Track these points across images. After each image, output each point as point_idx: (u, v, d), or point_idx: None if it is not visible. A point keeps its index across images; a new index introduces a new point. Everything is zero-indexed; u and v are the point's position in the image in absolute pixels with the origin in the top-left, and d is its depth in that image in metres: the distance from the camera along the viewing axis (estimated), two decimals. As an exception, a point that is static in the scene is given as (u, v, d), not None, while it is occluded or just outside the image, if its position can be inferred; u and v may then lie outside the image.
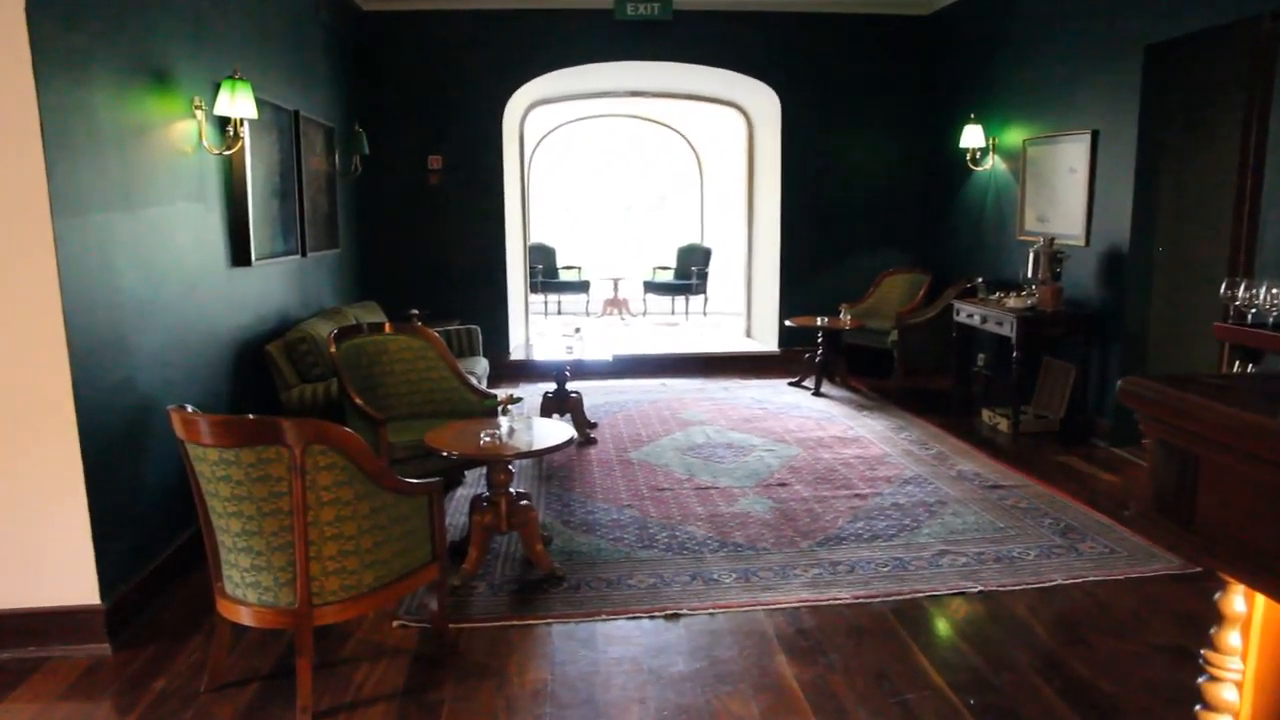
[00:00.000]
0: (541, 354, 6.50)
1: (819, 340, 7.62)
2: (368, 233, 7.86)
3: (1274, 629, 1.61)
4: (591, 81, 9.24)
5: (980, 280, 6.99)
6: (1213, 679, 1.66)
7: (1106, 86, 5.85)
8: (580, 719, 2.85)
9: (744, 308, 10.10)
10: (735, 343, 9.87)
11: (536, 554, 3.89)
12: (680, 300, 12.68)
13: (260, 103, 4.81)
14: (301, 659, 2.77)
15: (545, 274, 12.28)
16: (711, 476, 5.28)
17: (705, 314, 12.54)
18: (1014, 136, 7.09)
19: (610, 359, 6.51)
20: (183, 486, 2.85)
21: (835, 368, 7.77)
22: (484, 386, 6.03)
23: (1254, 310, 3.94)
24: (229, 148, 4.50)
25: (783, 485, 5.10)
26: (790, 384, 7.92)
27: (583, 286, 12.65)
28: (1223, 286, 4.11)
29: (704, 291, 12.44)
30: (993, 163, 7.42)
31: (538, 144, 12.74)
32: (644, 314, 12.65)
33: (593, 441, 6.05)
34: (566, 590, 3.74)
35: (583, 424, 6.16)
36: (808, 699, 2.93)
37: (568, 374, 6.22)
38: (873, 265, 8.65)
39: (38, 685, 3.07)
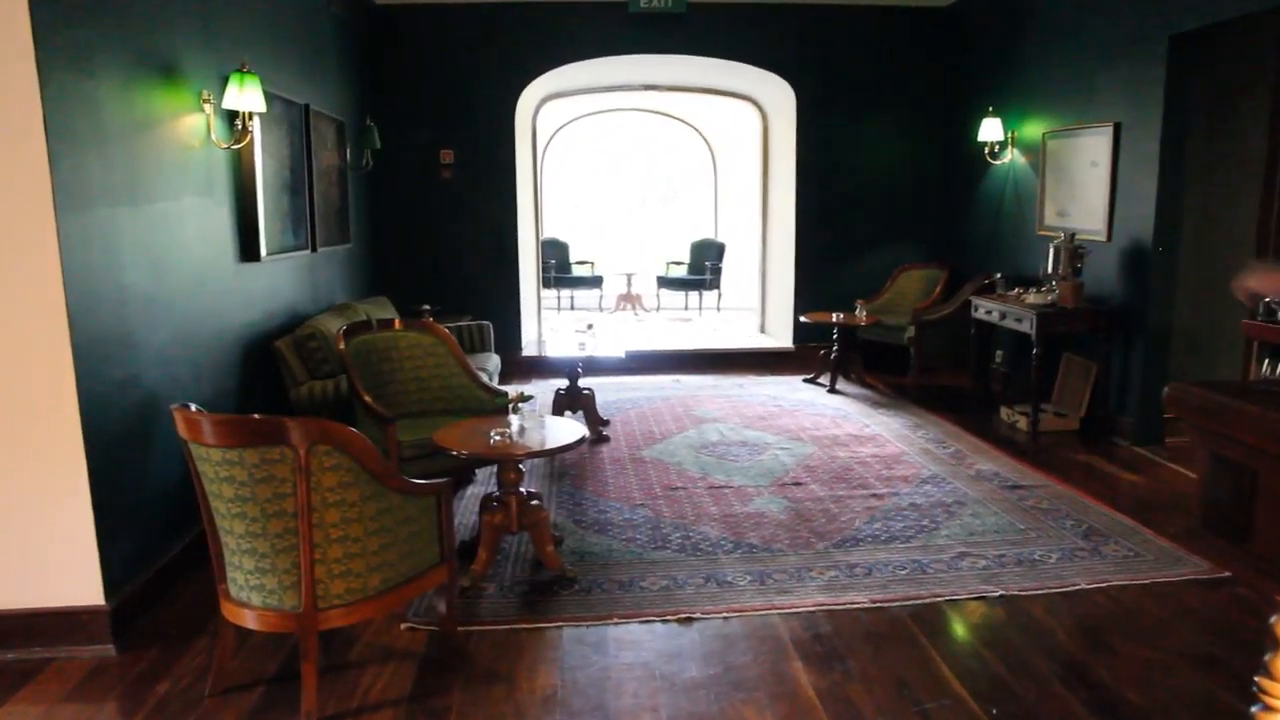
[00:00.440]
0: (554, 350, 6.44)
1: (834, 336, 7.52)
2: (379, 228, 7.81)
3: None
4: (605, 75, 9.16)
5: (999, 276, 6.88)
6: (1268, 709, 1.57)
7: (1129, 78, 5.72)
8: (591, 726, 2.78)
9: (758, 303, 10.00)
10: (749, 339, 9.78)
11: (547, 555, 3.82)
12: (694, 296, 12.60)
13: (270, 96, 4.75)
14: (306, 664, 2.71)
15: (558, 269, 12.21)
16: (725, 475, 5.20)
17: (719, 309, 12.45)
18: (1033, 129, 6.96)
19: (623, 355, 6.43)
20: (188, 485, 2.80)
21: (851, 364, 7.67)
22: (495, 383, 5.98)
23: (1284, 307, 3.84)
24: (238, 141, 4.44)
25: (798, 484, 5.02)
26: (805, 381, 7.83)
27: (595, 282, 12.58)
28: (1252, 283, 4.00)
29: (717, 287, 12.35)
30: (1011, 156, 7.30)
31: (551, 138, 12.67)
32: (657, 309, 12.58)
33: (605, 439, 5.98)
34: (578, 592, 3.67)
35: (595, 421, 6.09)
36: (824, 708, 2.85)
37: (580, 370, 6.15)
38: (889, 260, 8.54)
39: (41, 687, 3.03)
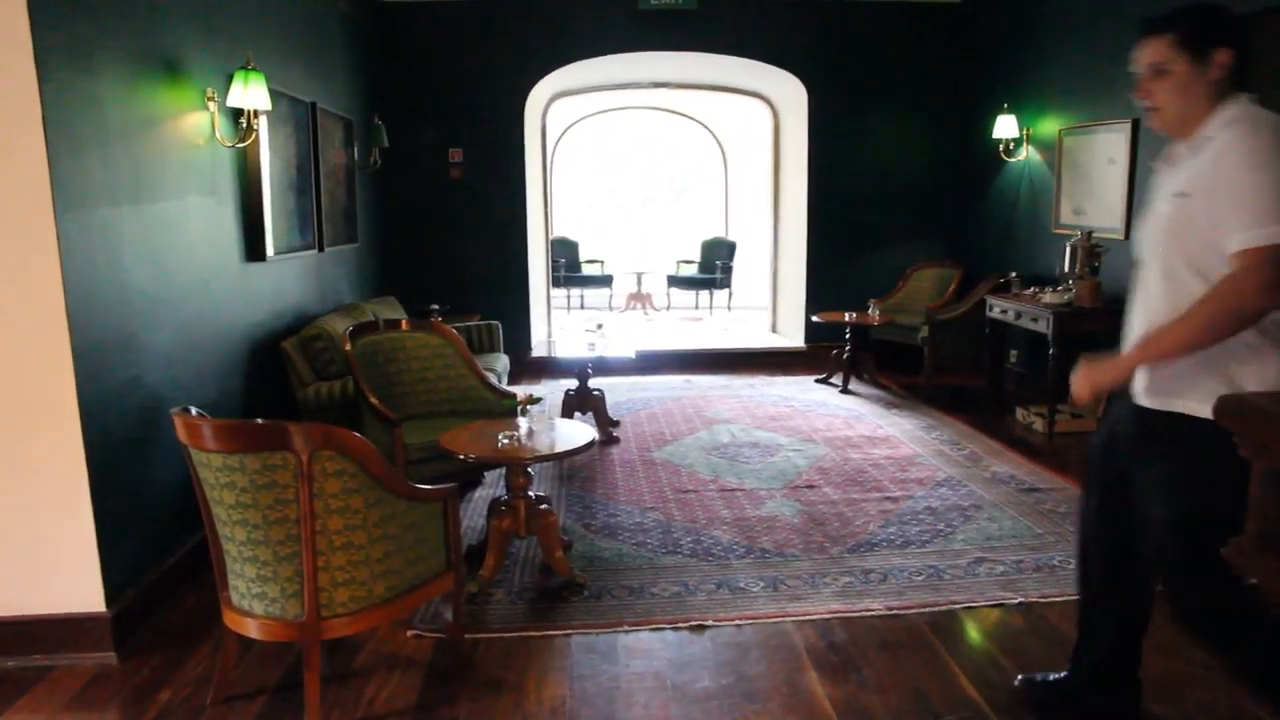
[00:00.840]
0: (563, 350, 6.36)
1: (846, 336, 7.44)
2: (387, 227, 7.75)
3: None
4: (614, 73, 9.09)
5: (1013, 275, 6.79)
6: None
7: (1149, 74, 5.61)
8: (600, 738, 2.72)
9: (769, 302, 9.92)
10: (760, 338, 9.70)
11: (556, 560, 3.75)
12: (704, 295, 12.51)
13: (276, 94, 4.70)
14: (309, 673, 2.65)
15: (568, 268, 12.15)
16: (737, 478, 5.12)
17: (729, 309, 12.37)
18: (1049, 126, 6.86)
19: (633, 355, 6.36)
20: (191, 488, 2.74)
21: (863, 364, 7.58)
22: (504, 384, 5.92)
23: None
24: (243, 140, 4.38)
25: (811, 487, 4.94)
26: (817, 381, 7.74)
27: (605, 281, 12.51)
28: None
29: (728, 286, 12.26)
30: (1027, 153, 7.20)
31: (560, 137, 12.60)
32: (667, 309, 12.50)
33: (615, 440, 5.91)
34: (587, 599, 3.61)
35: (605, 422, 6.02)
36: None
37: (590, 371, 6.08)
38: (902, 259, 8.44)
39: (42, 695, 2.98)
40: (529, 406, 3.89)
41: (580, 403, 6.02)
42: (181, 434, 2.59)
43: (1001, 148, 7.32)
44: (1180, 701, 2.86)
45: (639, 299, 12.26)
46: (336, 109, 6.22)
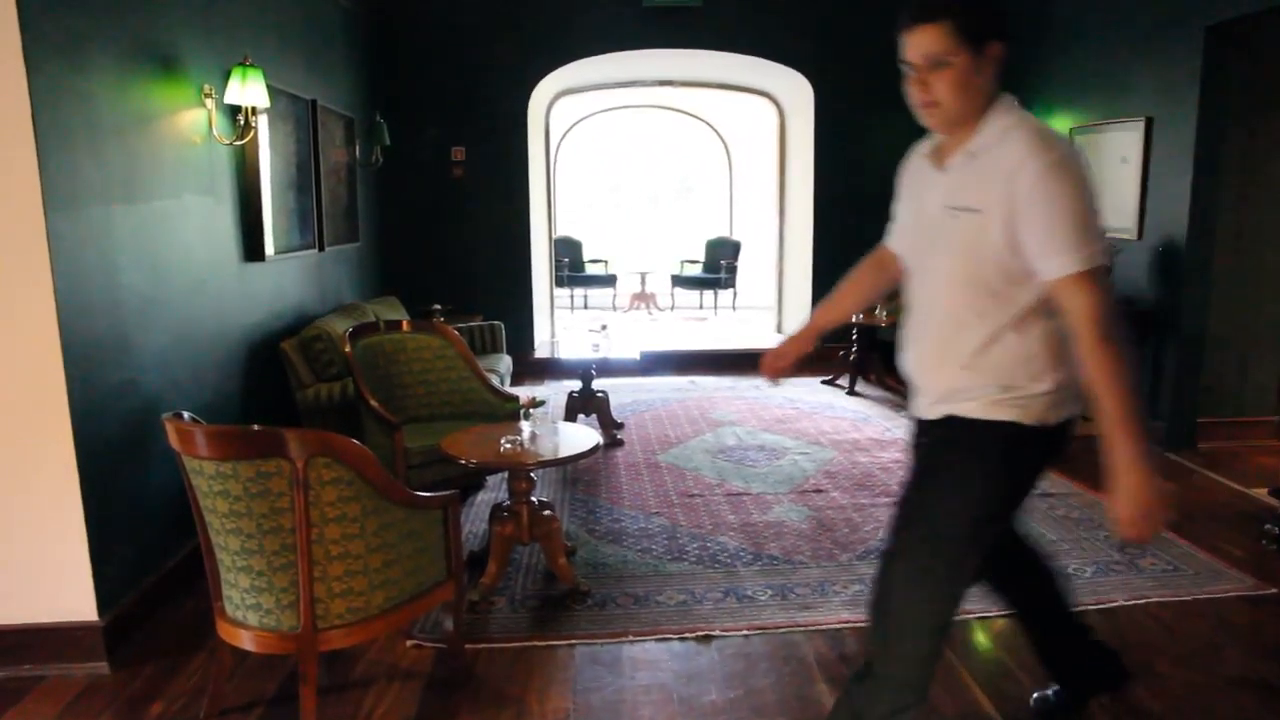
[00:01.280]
0: (567, 351, 6.27)
1: (853, 337, 7.35)
2: (389, 226, 7.67)
3: None
4: (619, 70, 9.00)
5: (1023, 275, 6.68)
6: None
7: (1162, 71, 5.52)
8: (605, 754, 2.63)
9: (775, 302, 9.82)
10: (766, 338, 9.59)
11: (559, 567, 3.67)
12: (709, 294, 12.42)
13: (275, 91, 4.62)
14: (305, 687, 2.57)
15: (571, 268, 12.05)
16: (744, 481, 5.04)
17: (735, 309, 12.28)
18: (1060, 124, 6.75)
19: (637, 356, 6.27)
20: (187, 494, 2.66)
21: (870, 365, 7.49)
22: (507, 385, 5.84)
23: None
24: (241, 138, 4.30)
25: (818, 491, 4.85)
26: (823, 382, 7.65)
27: (609, 280, 12.42)
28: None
29: (733, 285, 12.17)
30: (1037, 152, 7.08)
31: (564, 135, 12.52)
32: (672, 308, 12.41)
33: (619, 443, 5.83)
34: (591, 607, 3.52)
35: (609, 424, 5.94)
36: (852, 735, 2.69)
37: (593, 372, 5.99)
38: (909, 259, 8.32)
39: (31, 706, 2.90)
40: (532, 409, 3.80)
41: (584, 404, 5.93)
42: (173, 440, 2.51)
43: (1011, 146, 7.21)
44: (1202, 715, 2.78)
45: (643, 299, 12.17)
46: (337, 106, 6.14)
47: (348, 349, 4.31)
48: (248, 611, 2.63)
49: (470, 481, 4.80)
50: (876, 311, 7.33)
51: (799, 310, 8.94)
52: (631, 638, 3.27)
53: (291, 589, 2.55)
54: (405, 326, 4.69)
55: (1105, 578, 3.73)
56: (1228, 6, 4.94)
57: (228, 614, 2.70)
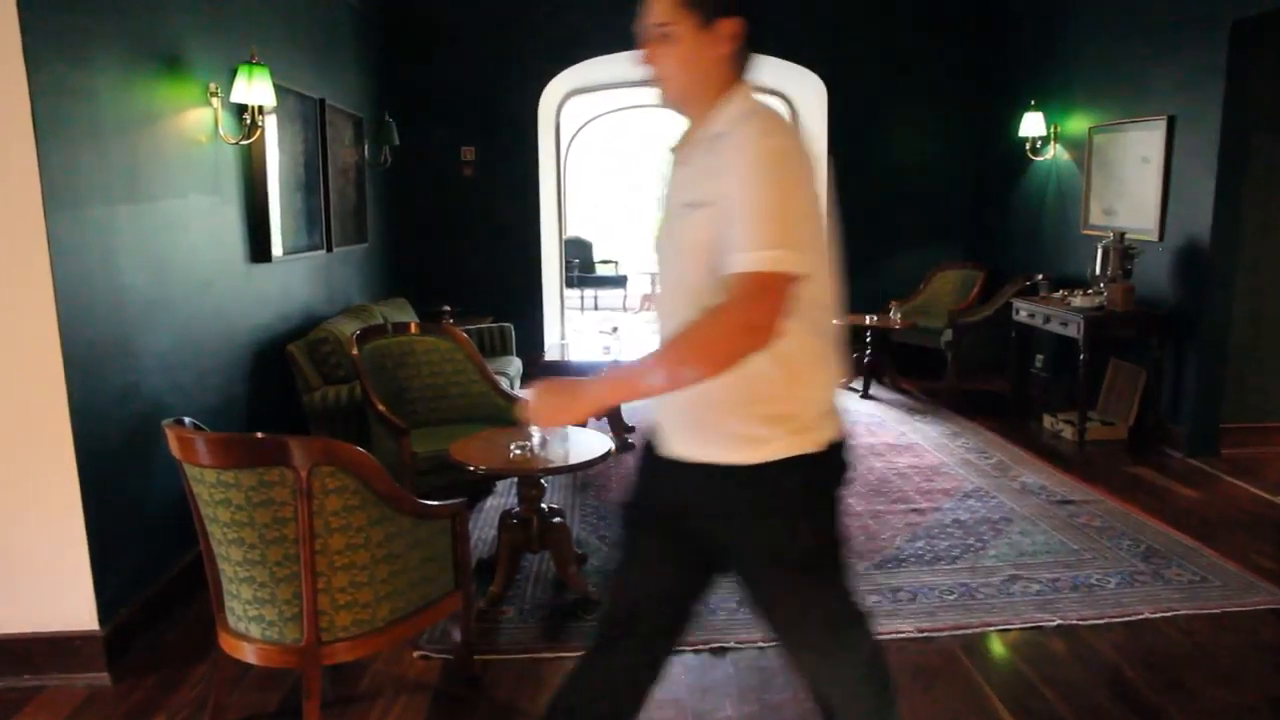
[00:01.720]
0: (577, 354, 6.20)
1: (867, 339, 7.25)
2: (398, 227, 7.61)
3: None
4: (631, 70, 8.89)
5: (1040, 277, 6.58)
6: None
7: (1185, 68, 5.41)
8: (617, 773, 2.54)
9: (786, 304, 9.70)
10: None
11: (570, 576, 3.59)
12: (719, 295, 12.32)
13: (283, 90, 4.56)
14: (309, 701, 2.49)
15: (582, 268, 12.00)
16: (756, 487, 4.94)
17: (745, 310, 12.17)
18: (1078, 124, 6.65)
19: (648, 359, 6.17)
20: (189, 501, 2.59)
21: (884, 368, 7.39)
22: (517, 388, 5.76)
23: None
24: (248, 137, 4.24)
25: (833, 498, 4.75)
26: (836, 385, 7.54)
27: (620, 281, 12.36)
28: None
29: (744, 286, 12.06)
30: (1054, 152, 6.99)
31: (575, 134, 12.43)
32: (682, 309, 12.31)
33: (630, 447, 5.74)
34: (602, 617, 3.44)
35: (620, 429, 5.86)
36: (873, 754, 2.60)
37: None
38: (924, 260, 8.22)
39: (31, 717, 2.84)
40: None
41: (594, 408, 5.84)
42: (174, 448, 2.44)
43: (1027, 146, 7.11)
44: (1237, 737, 2.68)
45: (654, 300, 12.08)
46: (346, 105, 6.07)
47: (355, 352, 4.24)
48: (250, 624, 2.55)
49: (480, 486, 4.72)
50: (891, 313, 7.25)
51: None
52: (644, 650, 3.19)
53: (295, 601, 2.47)
54: (413, 329, 4.62)
55: (1130, 589, 3.63)
56: (1254, 1, 4.83)
57: (230, 626, 2.63)
